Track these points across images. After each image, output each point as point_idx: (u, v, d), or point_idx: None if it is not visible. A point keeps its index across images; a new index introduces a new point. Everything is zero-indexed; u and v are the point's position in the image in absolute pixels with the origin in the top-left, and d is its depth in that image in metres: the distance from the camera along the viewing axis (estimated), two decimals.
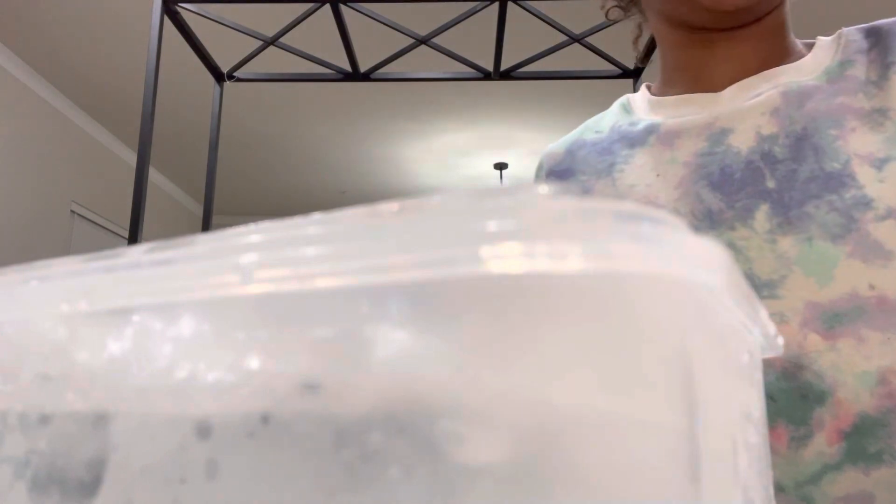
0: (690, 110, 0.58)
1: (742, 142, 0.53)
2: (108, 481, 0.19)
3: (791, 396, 0.46)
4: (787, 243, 0.48)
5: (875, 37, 0.55)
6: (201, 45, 2.29)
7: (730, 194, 0.52)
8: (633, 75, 2.41)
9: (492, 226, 0.14)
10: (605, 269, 0.14)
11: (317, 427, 0.16)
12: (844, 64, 0.54)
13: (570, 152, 0.68)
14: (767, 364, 0.44)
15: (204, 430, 0.18)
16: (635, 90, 2.54)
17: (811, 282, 0.46)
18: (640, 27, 0.73)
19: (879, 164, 0.47)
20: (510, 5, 2.18)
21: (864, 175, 0.48)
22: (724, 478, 0.18)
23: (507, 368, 0.15)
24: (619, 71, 2.44)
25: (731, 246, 0.50)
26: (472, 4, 2.25)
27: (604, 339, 0.15)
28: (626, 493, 0.14)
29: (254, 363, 0.17)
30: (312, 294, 0.17)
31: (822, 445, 0.45)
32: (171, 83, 3.66)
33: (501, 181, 5.14)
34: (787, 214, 0.49)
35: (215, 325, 0.18)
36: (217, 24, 2.25)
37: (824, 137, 0.50)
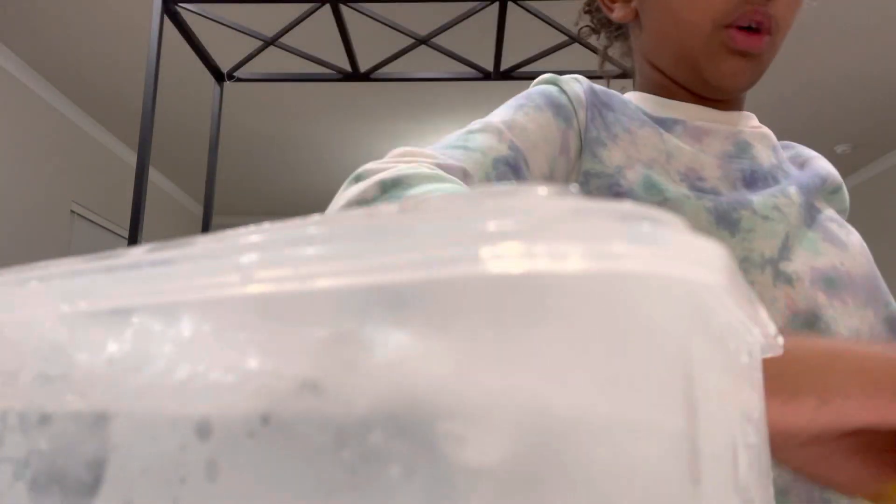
0: (709, 116, 0.66)
1: (763, 158, 0.65)
2: (108, 481, 0.19)
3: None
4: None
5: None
6: (201, 45, 2.29)
7: (763, 189, 0.61)
8: (632, 75, 2.41)
9: (491, 226, 0.14)
10: (605, 269, 0.14)
11: (317, 427, 0.16)
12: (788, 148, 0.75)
13: (607, 93, 0.69)
14: (793, 312, 0.54)
15: (204, 431, 0.18)
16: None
17: (808, 254, 0.58)
18: (607, 47, 0.79)
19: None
20: (510, 5, 2.18)
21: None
22: (724, 479, 0.18)
23: (507, 369, 0.15)
24: (618, 71, 2.44)
25: (774, 208, 0.59)
26: (472, 4, 2.25)
27: (604, 339, 0.15)
28: (626, 494, 0.14)
29: (254, 363, 0.17)
30: (312, 294, 0.17)
31: None
32: (171, 83, 3.66)
33: None
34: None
35: (215, 325, 0.18)
36: (217, 24, 2.25)
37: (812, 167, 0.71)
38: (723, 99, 0.67)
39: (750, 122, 0.71)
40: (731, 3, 0.57)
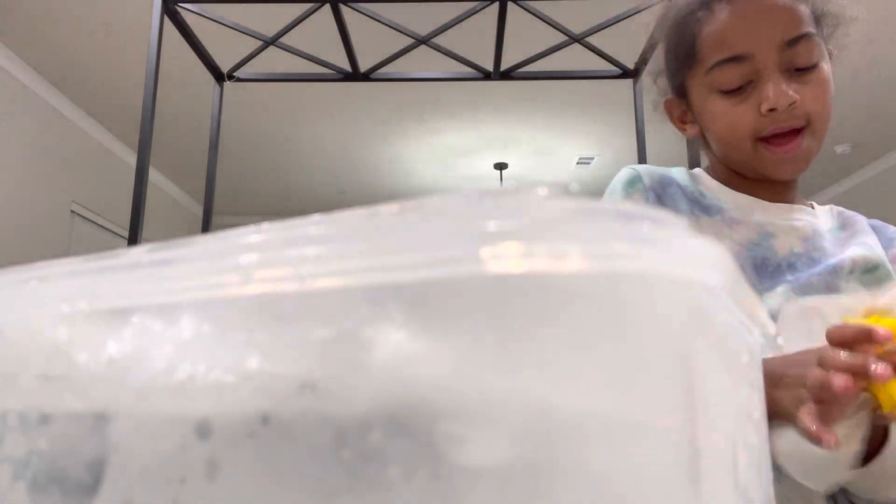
0: (750, 209, 0.74)
1: (780, 247, 0.72)
2: (108, 481, 0.19)
3: None
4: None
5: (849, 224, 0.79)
6: (201, 45, 2.29)
7: (762, 278, 0.69)
8: (632, 75, 2.41)
9: (491, 226, 0.14)
10: (605, 269, 0.14)
11: (317, 427, 0.16)
12: (842, 228, 0.78)
13: (663, 184, 0.76)
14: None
15: (204, 431, 0.18)
16: (635, 90, 2.52)
17: None
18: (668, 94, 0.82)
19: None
20: (510, 5, 2.18)
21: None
22: (724, 478, 0.18)
23: (507, 369, 0.15)
24: (619, 71, 2.44)
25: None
26: (472, 4, 2.25)
27: (604, 339, 0.15)
28: (626, 494, 0.14)
29: (254, 363, 0.17)
30: (312, 294, 0.17)
31: None
32: (171, 83, 3.66)
33: (501, 181, 5.14)
34: (797, 292, 0.68)
35: (215, 325, 0.18)
36: (217, 24, 2.25)
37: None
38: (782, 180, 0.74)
39: (792, 215, 0.74)
40: (759, 121, 0.65)
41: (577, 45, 2.33)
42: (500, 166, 5.03)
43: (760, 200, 0.73)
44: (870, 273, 0.70)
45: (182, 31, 2.19)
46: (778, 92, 0.63)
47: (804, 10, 0.65)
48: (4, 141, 3.56)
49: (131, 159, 4.68)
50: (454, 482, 0.15)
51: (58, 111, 4.03)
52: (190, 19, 2.23)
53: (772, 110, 0.64)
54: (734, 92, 0.66)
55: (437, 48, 2.35)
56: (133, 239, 1.85)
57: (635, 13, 2.08)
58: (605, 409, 0.15)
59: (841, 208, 0.80)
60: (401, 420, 0.15)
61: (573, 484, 0.14)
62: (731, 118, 0.67)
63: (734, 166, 0.74)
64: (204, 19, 2.23)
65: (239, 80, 2.45)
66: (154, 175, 5.09)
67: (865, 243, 0.73)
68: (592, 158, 4.90)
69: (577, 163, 4.98)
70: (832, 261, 0.70)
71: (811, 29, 0.65)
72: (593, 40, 2.28)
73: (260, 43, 2.34)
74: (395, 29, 2.27)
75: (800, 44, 0.64)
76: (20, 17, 3.23)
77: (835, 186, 5.41)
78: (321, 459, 0.16)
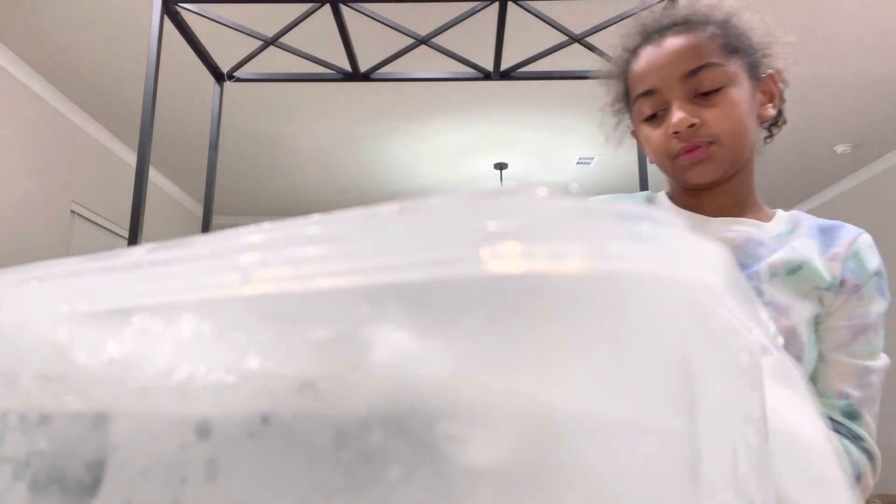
0: (690, 226, 0.79)
1: None
2: (107, 482, 0.19)
3: None
4: None
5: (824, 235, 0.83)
6: (201, 45, 2.29)
7: None
8: None
9: (491, 226, 0.14)
10: (604, 269, 0.14)
11: (317, 427, 0.16)
12: (790, 234, 0.83)
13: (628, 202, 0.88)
14: None
15: (204, 431, 0.18)
16: None
17: None
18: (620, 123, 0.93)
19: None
20: (510, 5, 2.18)
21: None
22: (724, 478, 0.18)
23: (507, 370, 0.15)
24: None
25: None
26: (472, 4, 2.25)
27: (603, 339, 0.15)
28: (626, 494, 0.14)
29: (254, 364, 0.17)
30: (312, 294, 0.17)
31: None
32: (171, 83, 3.66)
33: (501, 181, 5.14)
34: None
35: (215, 325, 0.18)
36: (217, 24, 2.25)
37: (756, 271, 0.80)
38: (717, 184, 0.81)
39: (729, 227, 0.81)
40: (670, 142, 0.78)
41: (577, 45, 2.33)
42: (500, 166, 5.03)
43: (701, 216, 0.83)
44: (793, 273, 0.77)
45: (182, 31, 2.19)
46: (678, 117, 0.76)
47: (707, 44, 0.77)
48: (4, 141, 3.56)
49: (131, 159, 4.68)
50: (454, 482, 0.15)
51: (58, 111, 4.03)
52: (190, 19, 2.23)
53: (676, 133, 0.76)
54: (652, 119, 0.80)
55: (437, 48, 2.35)
56: (133, 239, 1.85)
57: (635, 13, 2.08)
58: (604, 409, 0.15)
59: (804, 215, 0.86)
60: (401, 420, 0.15)
61: (573, 484, 0.14)
62: (652, 141, 0.80)
63: (673, 181, 0.85)
64: (204, 19, 2.23)
65: (239, 80, 2.45)
66: (154, 175, 5.09)
67: (792, 246, 0.79)
68: (592, 158, 4.90)
69: (577, 163, 4.98)
70: (755, 266, 0.77)
71: (714, 59, 0.77)
72: (593, 40, 2.28)
73: (260, 43, 2.34)
74: (395, 29, 2.27)
75: (701, 73, 0.76)
76: (20, 17, 3.23)
77: (835, 186, 5.41)
78: (321, 459, 0.16)
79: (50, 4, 3.12)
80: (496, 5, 2.18)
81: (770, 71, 0.83)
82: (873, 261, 0.79)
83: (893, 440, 4.64)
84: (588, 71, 2.47)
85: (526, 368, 0.15)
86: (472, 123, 4.33)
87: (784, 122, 0.87)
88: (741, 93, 0.78)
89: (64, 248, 4.13)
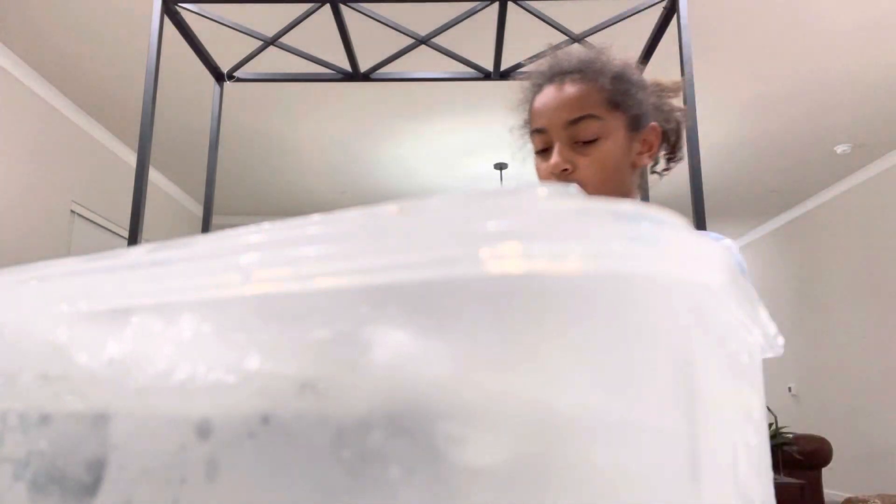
0: None
1: None
2: (108, 481, 0.19)
3: None
4: None
5: None
6: (201, 45, 2.29)
7: None
8: None
9: (491, 226, 0.14)
10: (604, 269, 0.14)
11: (317, 427, 0.16)
12: None
13: None
14: None
15: (204, 431, 0.18)
16: None
17: None
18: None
19: None
20: (510, 5, 2.18)
21: None
22: (724, 478, 0.18)
23: (507, 370, 0.15)
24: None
25: None
26: (472, 4, 2.25)
27: (603, 339, 0.15)
28: (626, 494, 0.14)
29: (254, 364, 0.17)
30: (312, 294, 0.17)
31: None
32: (171, 83, 3.66)
33: (501, 181, 5.14)
34: None
35: (215, 325, 0.18)
36: (217, 24, 2.25)
37: None
38: None
39: None
40: (550, 179, 0.85)
41: (576, 46, 2.33)
42: (500, 166, 5.03)
43: None
44: None
45: (182, 31, 2.19)
46: (554, 161, 0.84)
47: (594, 96, 0.85)
48: (4, 141, 3.56)
49: (131, 159, 4.68)
50: (454, 482, 0.15)
51: (58, 111, 4.03)
52: (190, 19, 2.23)
53: (552, 172, 0.85)
54: (541, 153, 0.88)
55: (437, 48, 2.35)
56: (133, 239, 1.85)
57: (635, 13, 2.08)
58: (604, 408, 0.15)
59: None
60: (401, 420, 0.15)
61: (573, 484, 0.14)
62: (540, 170, 0.88)
63: None
64: (204, 19, 2.23)
65: (239, 80, 2.45)
66: (154, 175, 5.09)
67: None
68: None
69: None
70: None
71: (595, 112, 0.85)
72: (593, 40, 2.28)
73: (260, 43, 2.34)
74: (395, 29, 2.27)
75: (581, 123, 0.84)
76: (20, 17, 3.23)
77: (835, 186, 5.41)
78: (321, 459, 0.16)
79: (50, 5, 3.12)
80: (496, 5, 2.18)
81: (653, 124, 0.90)
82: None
83: (894, 440, 4.65)
84: None
85: (525, 368, 0.15)
86: (472, 123, 4.33)
87: (681, 159, 0.94)
88: (615, 144, 0.86)
89: (64, 248, 4.13)
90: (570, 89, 0.87)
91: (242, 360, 0.18)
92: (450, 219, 0.15)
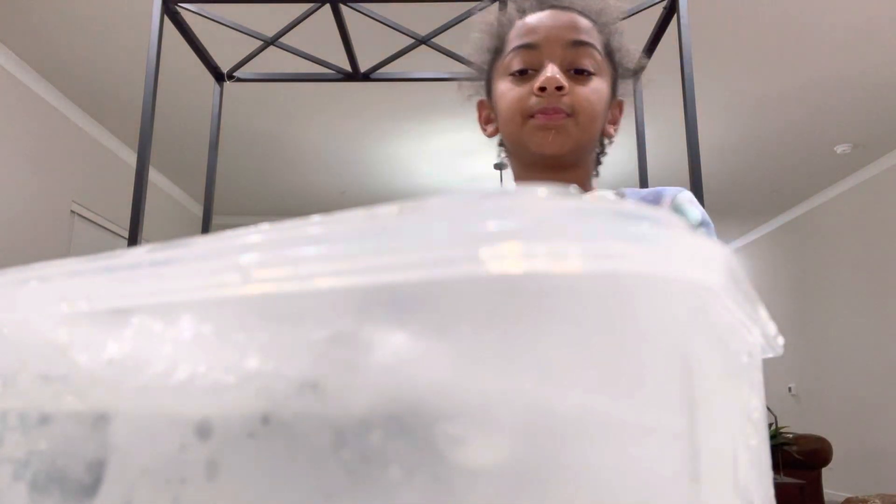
0: None
1: None
2: (108, 482, 0.19)
3: None
4: None
5: (652, 202, 0.81)
6: (201, 45, 2.29)
7: None
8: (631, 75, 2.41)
9: (491, 226, 0.14)
10: (604, 269, 0.14)
11: (317, 428, 0.16)
12: None
13: None
14: None
15: (204, 431, 0.18)
16: (634, 89, 2.53)
17: None
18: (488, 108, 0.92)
19: None
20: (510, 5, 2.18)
21: None
22: (724, 478, 0.18)
23: (507, 370, 0.15)
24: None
25: None
26: (472, 4, 2.25)
27: (603, 339, 0.15)
28: (626, 494, 0.14)
29: (254, 364, 0.17)
30: (312, 295, 0.17)
31: None
32: (171, 83, 3.66)
33: (501, 181, 5.14)
34: None
35: (215, 325, 0.18)
36: (217, 24, 2.25)
37: None
38: (550, 166, 0.81)
39: None
40: (527, 102, 0.77)
41: None
42: (500, 166, 5.02)
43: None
44: None
45: (182, 31, 2.19)
46: (550, 75, 0.75)
47: (595, 32, 0.80)
48: (4, 141, 3.56)
49: (131, 159, 4.68)
50: (454, 482, 0.15)
51: (58, 111, 4.03)
52: (190, 19, 2.23)
53: (542, 89, 0.75)
54: (519, 75, 0.79)
55: (437, 48, 2.35)
56: (133, 239, 1.85)
57: (635, 13, 2.08)
58: (604, 409, 0.15)
59: (628, 189, 0.86)
60: (401, 420, 0.15)
61: (573, 484, 0.14)
62: (511, 96, 0.79)
63: (515, 153, 0.83)
64: (204, 19, 2.23)
65: (239, 80, 2.45)
66: (154, 175, 5.09)
67: None
68: None
69: None
70: None
71: (596, 44, 0.79)
72: None
73: (260, 43, 2.34)
74: (395, 29, 2.27)
75: (581, 48, 0.78)
76: (20, 17, 3.23)
77: (835, 186, 5.41)
78: (321, 459, 0.16)
79: (50, 5, 3.12)
80: (496, 5, 2.18)
81: (621, 98, 0.86)
82: (695, 213, 0.79)
83: (894, 440, 4.64)
84: None
85: (526, 368, 0.15)
86: (472, 123, 4.33)
87: (606, 154, 0.89)
88: (604, 91, 0.80)
89: (64, 248, 4.13)
90: (574, 16, 0.79)
91: (242, 361, 0.18)
92: (450, 219, 0.15)
